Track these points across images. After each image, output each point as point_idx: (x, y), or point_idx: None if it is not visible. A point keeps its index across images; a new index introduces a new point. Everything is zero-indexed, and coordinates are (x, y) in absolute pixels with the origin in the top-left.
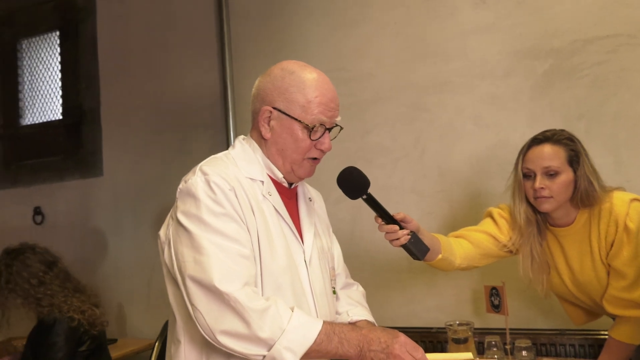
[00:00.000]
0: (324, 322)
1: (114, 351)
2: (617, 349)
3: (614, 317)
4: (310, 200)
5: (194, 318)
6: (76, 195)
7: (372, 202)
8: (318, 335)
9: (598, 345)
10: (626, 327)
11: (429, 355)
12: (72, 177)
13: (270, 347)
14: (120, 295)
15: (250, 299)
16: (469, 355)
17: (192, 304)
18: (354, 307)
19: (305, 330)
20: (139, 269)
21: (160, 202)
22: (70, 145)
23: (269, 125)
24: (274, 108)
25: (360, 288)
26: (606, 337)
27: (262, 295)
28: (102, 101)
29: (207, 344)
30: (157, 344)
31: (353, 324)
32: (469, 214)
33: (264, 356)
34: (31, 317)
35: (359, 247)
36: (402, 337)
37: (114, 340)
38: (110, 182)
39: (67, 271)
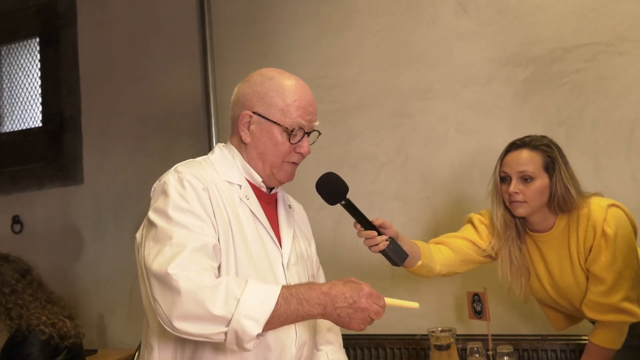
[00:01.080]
0: (282, 286)
1: None
2: (597, 353)
3: (593, 321)
4: (290, 208)
5: (156, 312)
6: (56, 204)
7: (351, 208)
8: (277, 299)
9: (579, 350)
10: (605, 331)
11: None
12: (52, 185)
13: (228, 322)
14: (101, 305)
15: (202, 277)
16: (416, 304)
17: (153, 297)
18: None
19: (262, 296)
20: (120, 278)
21: (142, 210)
22: (50, 153)
23: (248, 129)
24: (254, 112)
25: None
26: (587, 342)
27: None
28: (83, 108)
29: (180, 348)
30: (137, 353)
31: (311, 282)
32: (452, 219)
33: (225, 333)
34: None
35: (342, 254)
36: (367, 289)
37: (95, 351)
38: (91, 190)
39: (40, 280)
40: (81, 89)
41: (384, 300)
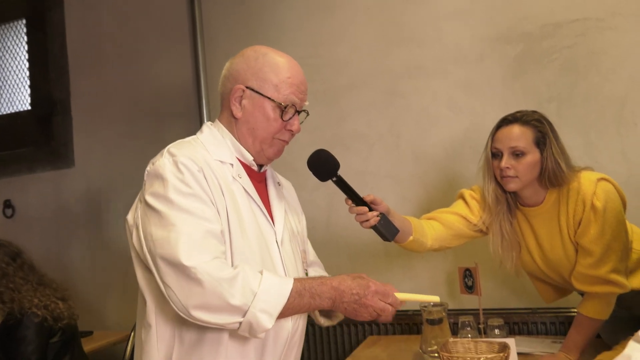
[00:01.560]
0: (294, 279)
1: (90, 343)
2: (586, 324)
3: (582, 293)
4: (280, 185)
5: (167, 297)
6: (48, 187)
7: (342, 184)
8: (290, 294)
9: (568, 322)
10: (593, 303)
11: (398, 295)
12: (43, 168)
13: (244, 313)
14: (96, 288)
15: (218, 269)
16: (436, 298)
17: (164, 283)
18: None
19: (277, 291)
20: (114, 260)
21: (135, 193)
22: (40, 137)
23: (240, 104)
24: (247, 87)
25: None
26: (575, 314)
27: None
28: (72, 91)
29: (179, 325)
30: (132, 334)
31: (322, 277)
32: (443, 197)
33: (240, 323)
34: None
35: (335, 233)
36: (373, 287)
37: (90, 333)
38: (83, 173)
39: (31, 263)
40: (70, 72)
41: (393, 298)
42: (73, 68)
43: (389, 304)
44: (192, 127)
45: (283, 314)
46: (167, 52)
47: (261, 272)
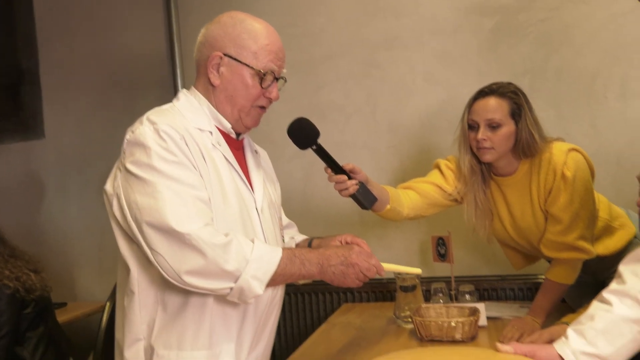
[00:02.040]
0: (283, 249)
1: (64, 315)
2: (552, 289)
3: (549, 260)
4: (257, 153)
5: (155, 263)
6: (17, 159)
7: (322, 153)
8: (280, 260)
9: (535, 288)
10: (560, 268)
11: (383, 265)
12: (13, 139)
13: (237, 279)
14: (69, 260)
15: (212, 235)
16: (418, 270)
17: (151, 249)
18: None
19: (268, 258)
20: (88, 232)
21: (108, 164)
22: (8, 107)
23: (218, 72)
24: (225, 54)
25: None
26: (542, 281)
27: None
28: (40, 60)
29: (162, 291)
30: (107, 304)
31: (309, 247)
32: (419, 168)
33: (231, 288)
34: None
35: (311, 203)
36: (357, 248)
37: (64, 304)
38: (54, 144)
39: (2, 236)
40: (38, 40)
41: (375, 260)
42: (41, 35)
43: (373, 265)
44: (166, 96)
45: (275, 281)
46: (140, 19)
47: (252, 241)
